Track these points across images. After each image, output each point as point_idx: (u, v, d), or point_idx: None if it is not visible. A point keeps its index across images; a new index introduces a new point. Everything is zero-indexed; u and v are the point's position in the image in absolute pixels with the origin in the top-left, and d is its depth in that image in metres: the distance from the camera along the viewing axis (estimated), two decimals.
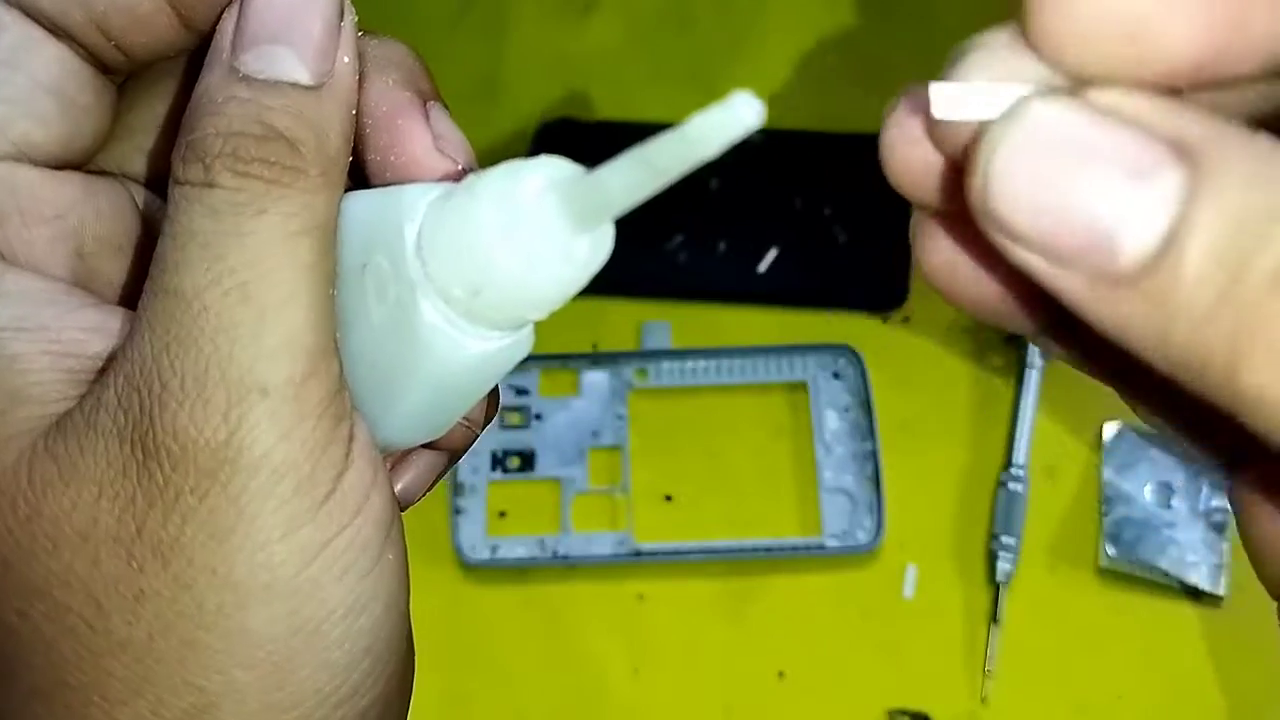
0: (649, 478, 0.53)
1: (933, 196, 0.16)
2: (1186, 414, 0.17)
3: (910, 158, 0.16)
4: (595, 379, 0.55)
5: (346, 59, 0.20)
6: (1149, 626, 0.50)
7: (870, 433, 0.53)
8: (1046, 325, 0.17)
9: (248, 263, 0.18)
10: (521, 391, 0.55)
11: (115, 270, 0.22)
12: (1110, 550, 0.50)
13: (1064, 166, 0.13)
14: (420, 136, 0.22)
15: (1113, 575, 0.51)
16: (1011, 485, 0.52)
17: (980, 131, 0.14)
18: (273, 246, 0.18)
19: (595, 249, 0.19)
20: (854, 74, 0.61)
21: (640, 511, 0.53)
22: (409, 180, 0.21)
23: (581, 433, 0.54)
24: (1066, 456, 0.53)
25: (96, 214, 0.22)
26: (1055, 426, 0.53)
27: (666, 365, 0.55)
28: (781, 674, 0.50)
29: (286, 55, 0.19)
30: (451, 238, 0.19)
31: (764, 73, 0.62)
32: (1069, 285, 0.14)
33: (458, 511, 0.52)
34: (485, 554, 0.52)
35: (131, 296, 0.21)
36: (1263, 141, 0.13)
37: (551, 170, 0.18)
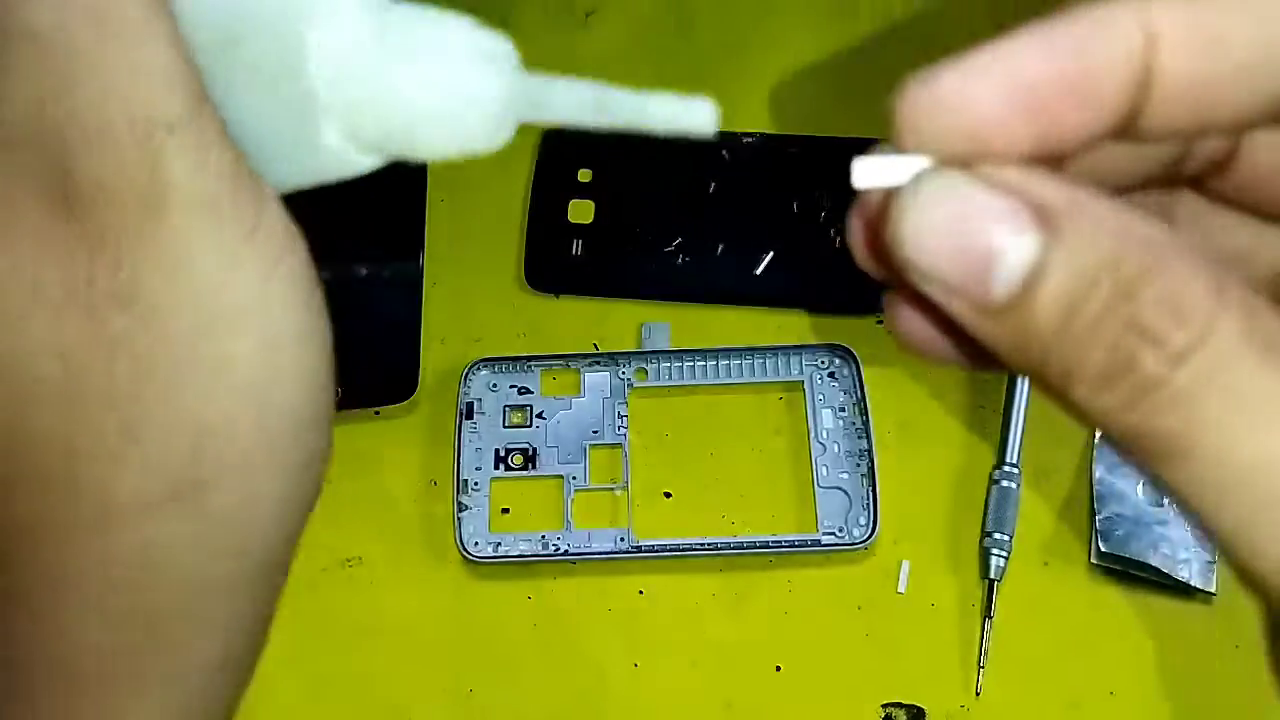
0: (649, 475, 0.54)
1: (889, 273, 0.19)
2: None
3: (866, 241, 0.20)
4: (596, 379, 0.56)
5: None
6: (1141, 623, 0.51)
7: (865, 431, 0.54)
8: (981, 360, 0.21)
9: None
10: (524, 391, 0.56)
11: None
12: (1102, 547, 0.51)
13: (953, 220, 0.17)
14: None
15: (1104, 572, 0.52)
16: (1004, 482, 0.53)
17: (892, 195, 0.18)
18: None
19: (502, 129, 0.19)
20: (851, 80, 0.62)
21: (640, 508, 0.53)
22: None
23: (583, 431, 0.55)
24: (1058, 454, 0.54)
25: None
26: (1047, 425, 0.54)
27: (666, 365, 0.56)
28: (779, 668, 0.51)
29: None
30: (378, 89, 0.19)
31: (763, 78, 0.62)
32: (958, 310, 0.18)
33: (462, 509, 0.53)
34: (489, 550, 0.53)
35: None
36: (1105, 206, 0.17)
37: (489, 43, 0.19)
